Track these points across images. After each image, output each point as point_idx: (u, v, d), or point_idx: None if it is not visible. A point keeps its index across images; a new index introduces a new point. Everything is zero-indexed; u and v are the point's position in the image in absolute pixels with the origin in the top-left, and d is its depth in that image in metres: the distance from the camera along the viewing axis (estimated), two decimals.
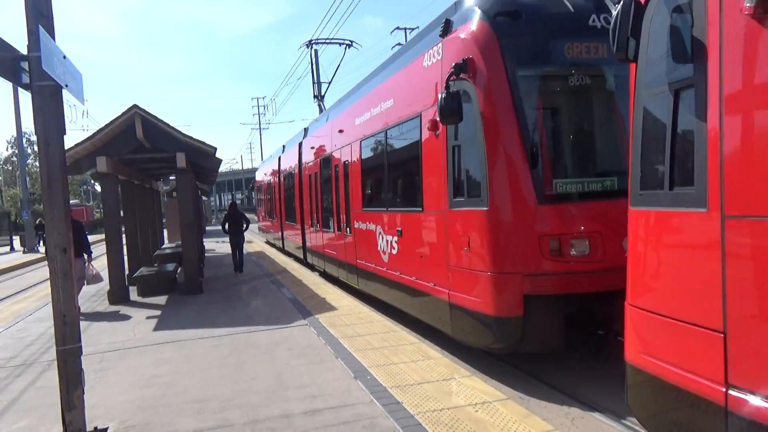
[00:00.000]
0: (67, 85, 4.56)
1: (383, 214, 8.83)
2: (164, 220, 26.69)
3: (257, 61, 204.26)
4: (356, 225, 10.29)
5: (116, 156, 11.58)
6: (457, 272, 6.33)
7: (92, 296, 12.52)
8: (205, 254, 21.21)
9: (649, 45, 3.37)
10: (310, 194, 14.63)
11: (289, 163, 17.89)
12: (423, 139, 7.10)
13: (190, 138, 11.20)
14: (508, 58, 5.70)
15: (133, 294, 12.06)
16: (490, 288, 5.73)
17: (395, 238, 8.27)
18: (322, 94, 20.76)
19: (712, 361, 2.93)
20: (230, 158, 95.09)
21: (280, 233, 21.01)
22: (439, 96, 5.95)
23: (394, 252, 8.37)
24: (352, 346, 6.95)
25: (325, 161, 12.67)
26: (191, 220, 12.26)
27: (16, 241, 33.81)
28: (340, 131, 11.33)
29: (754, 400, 2.70)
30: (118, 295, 11.36)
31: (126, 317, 9.83)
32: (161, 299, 11.54)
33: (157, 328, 8.75)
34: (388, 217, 8.61)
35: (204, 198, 42.73)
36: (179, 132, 11.07)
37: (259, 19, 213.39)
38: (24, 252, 29.92)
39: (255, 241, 29.36)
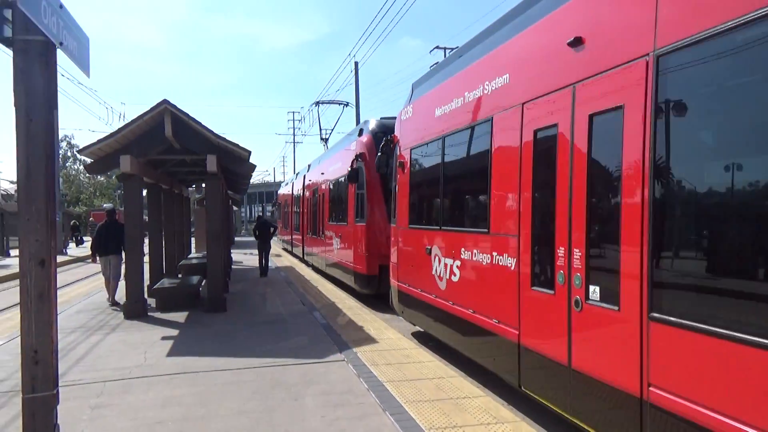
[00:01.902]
0: (62, 43, 3.45)
1: (335, 226, 15.31)
2: (193, 229, 25.88)
3: (295, 75, 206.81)
4: (326, 233, 16.76)
5: (142, 156, 10.59)
6: (357, 255, 12.57)
7: (108, 307, 11.50)
8: (232, 266, 20.19)
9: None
10: (306, 212, 21.68)
11: (297, 188, 24.81)
12: (348, 188, 13.17)
13: (223, 139, 10.14)
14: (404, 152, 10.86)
15: (152, 308, 11.00)
16: (365, 261, 11.97)
17: (338, 240, 14.83)
18: (327, 137, 28.37)
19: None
20: (263, 170, 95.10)
21: (290, 239, 27.99)
22: (348, 169, 12.58)
23: (338, 248, 14.85)
24: (401, 394, 5.64)
25: (314, 191, 19.60)
26: (219, 230, 11.15)
27: None
28: (321, 173, 18.12)
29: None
30: (134, 308, 10.28)
31: (139, 336, 8.72)
32: (181, 316, 10.42)
33: (171, 353, 7.58)
34: (336, 228, 15.11)
35: (235, 208, 42.04)
36: (211, 132, 10.02)
37: (299, 36, 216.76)
38: None
39: (283, 255, 28.35)
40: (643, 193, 3.60)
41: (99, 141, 9.53)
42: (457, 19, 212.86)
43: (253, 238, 18.47)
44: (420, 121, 8.09)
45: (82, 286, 16.07)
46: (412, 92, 8.73)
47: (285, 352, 7.53)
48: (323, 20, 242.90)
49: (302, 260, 23.16)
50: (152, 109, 9.65)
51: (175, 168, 13.93)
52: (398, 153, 8.90)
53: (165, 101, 9.66)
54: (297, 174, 27.31)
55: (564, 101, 4.52)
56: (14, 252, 30.04)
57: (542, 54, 4.96)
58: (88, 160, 10.39)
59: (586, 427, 4.23)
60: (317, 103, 27.34)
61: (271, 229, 18.30)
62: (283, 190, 33.01)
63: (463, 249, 6.46)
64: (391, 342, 8.08)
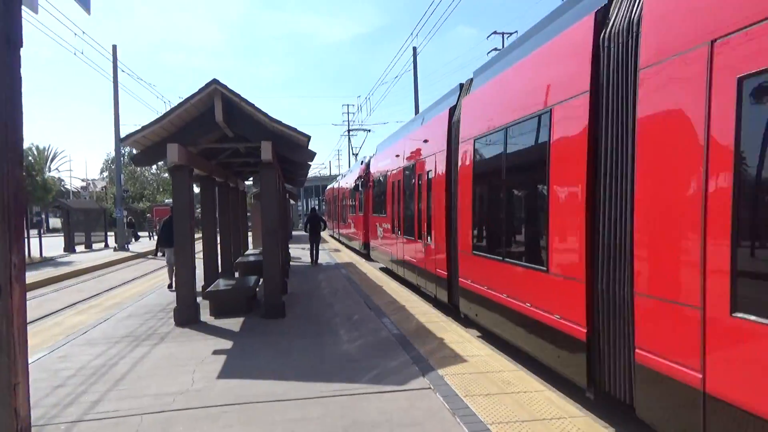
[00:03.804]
0: None
1: (353, 216, 25.67)
2: (250, 224, 25.18)
3: (350, 67, 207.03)
4: (348, 221, 27.87)
5: (192, 144, 9.56)
6: (360, 231, 23.24)
7: (160, 311, 10.61)
8: (290, 262, 19.24)
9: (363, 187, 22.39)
10: (339, 207, 32.80)
11: (335, 190, 35.81)
12: (356, 194, 23.95)
13: (279, 123, 8.92)
14: (369, 179, 20.84)
15: (205, 311, 10.00)
16: (363, 234, 22.44)
17: (353, 224, 25.84)
18: (357, 153, 41.25)
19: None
20: (319, 163, 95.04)
21: (332, 228, 39.05)
22: (355, 183, 23.36)
23: (353, 229, 26.14)
24: None
25: (342, 193, 30.27)
26: (275, 225, 9.98)
27: (111, 239, 34.01)
28: (346, 183, 28.27)
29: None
30: (185, 314, 9.27)
31: (189, 349, 7.66)
32: (236, 323, 9.34)
33: (222, 374, 6.42)
34: (352, 217, 26.06)
35: (292, 202, 41.47)
36: (266, 115, 8.82)
37: (352, 29, 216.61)
38: (115, 250, 29.69)
39: (342, 249, 27.36)
40: None
41: (143, 128, 8.51)
42: (514, 5, 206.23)
43: None
44: (376, 165, 18.64)
45: (137, 285, 15.45)
46: (376, 149, 19.06)
47: (356, 373, 6.23)
48: (376, 13, 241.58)
49: (338, 240, 34.48)
50: (201, 90, 8.54)
51: (229, 159, 12.94)
52: (369, 178, 19.37)
53: (215, 81, 8.54)
54: (335, 179, 40.68)
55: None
56: (79, 248, 30.45)
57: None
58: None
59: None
60: (348, 131, 42.22)
61: (321, 224, 20.51)
62: (327, 190, 46.07)
63: (384, 224, 16.22)
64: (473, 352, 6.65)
